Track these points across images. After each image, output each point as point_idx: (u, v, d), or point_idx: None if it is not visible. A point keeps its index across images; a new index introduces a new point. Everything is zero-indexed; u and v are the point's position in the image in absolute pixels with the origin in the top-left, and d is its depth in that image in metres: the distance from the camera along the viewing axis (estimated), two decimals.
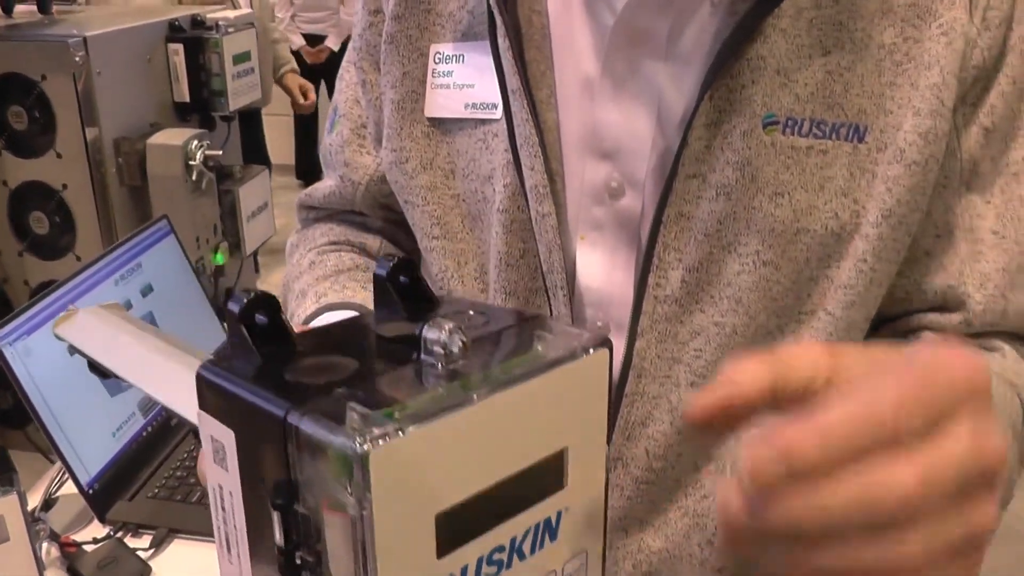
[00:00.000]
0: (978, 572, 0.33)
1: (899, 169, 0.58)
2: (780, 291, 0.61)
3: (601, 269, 0.65)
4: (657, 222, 0.61)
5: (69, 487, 1.17)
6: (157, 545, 1.11)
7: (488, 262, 0.68)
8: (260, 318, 0.33)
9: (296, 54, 5.22)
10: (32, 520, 1.09)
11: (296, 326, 0.70)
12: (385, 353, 0.34)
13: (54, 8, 2.07)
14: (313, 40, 5.27)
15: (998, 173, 0.62)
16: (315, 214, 0.86)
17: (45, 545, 1.10)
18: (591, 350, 0.33)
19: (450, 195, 0.69)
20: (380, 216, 0.80)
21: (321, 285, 0.74)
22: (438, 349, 0.31)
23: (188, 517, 1.16)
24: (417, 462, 0.28)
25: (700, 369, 0.63)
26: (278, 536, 0.29)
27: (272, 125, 4.95)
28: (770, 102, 0.58)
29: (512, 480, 0.31)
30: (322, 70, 5.31)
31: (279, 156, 4.27)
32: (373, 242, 0.81)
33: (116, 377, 0.47)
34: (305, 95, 3.78)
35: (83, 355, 0.49)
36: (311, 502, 0.29)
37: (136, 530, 1.14)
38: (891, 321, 0.67)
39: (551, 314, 0.66)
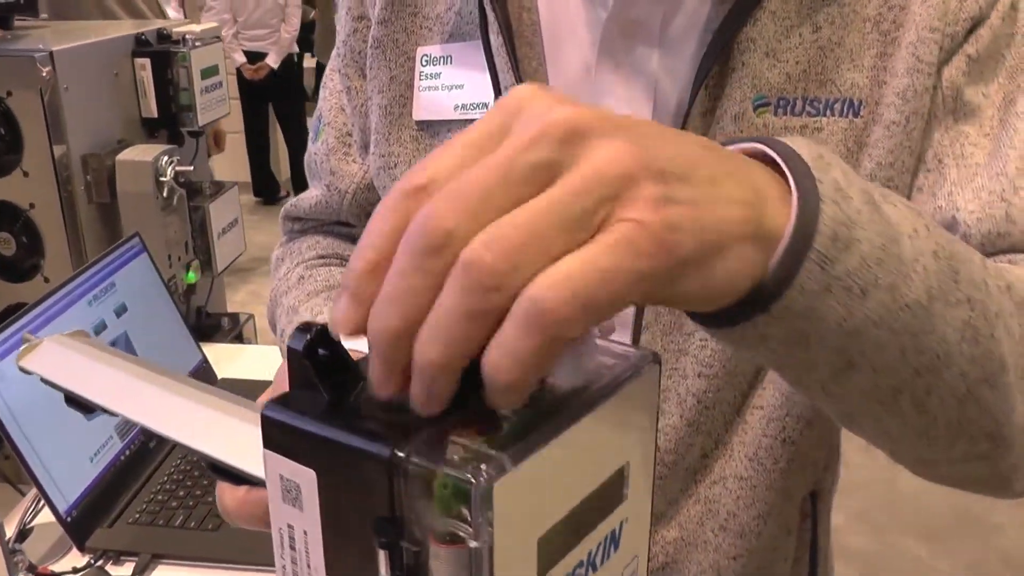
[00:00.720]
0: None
1: (879, 131, 0.58)
2: None
3: None
4: None
5: (45, 515, 1.14)
6: (140, 572, 1.09)
7: None
8: (323, 352, 0.33)
9: (237, 71, 5.23)
10: (9, 552, 1.06)
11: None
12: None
13: (16, 23, 2.03)
14: (254, 57, 5.27)
15: (994, 105, 0.60)
16: (300, 225, 0.85)
17: None
18: (645, 367, 0.34)
19: None
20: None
21: (313, 301, 0.73)
22: None
23: (172, 541, 1.14)
24: (526, 490, 0.29)
25: (707, 359, 0.63)
26: (384, 574, 0.30)
27: (229, 143, 4.92)
28: (759, 83, 0.58)
29: (590, 498, 0.32)
30: (264, 89, 5.32)
31: (234, 174, 4.25)
32: None
33: (99, 408, 0.46)
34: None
35: (57, 388, 0.48)
36: (418, 536, 0.29)
37: (118, 557, 1.11)
38: None
39: None
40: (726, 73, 0.58)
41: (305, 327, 0.33)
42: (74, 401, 0.47)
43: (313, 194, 0.80)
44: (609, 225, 0.29)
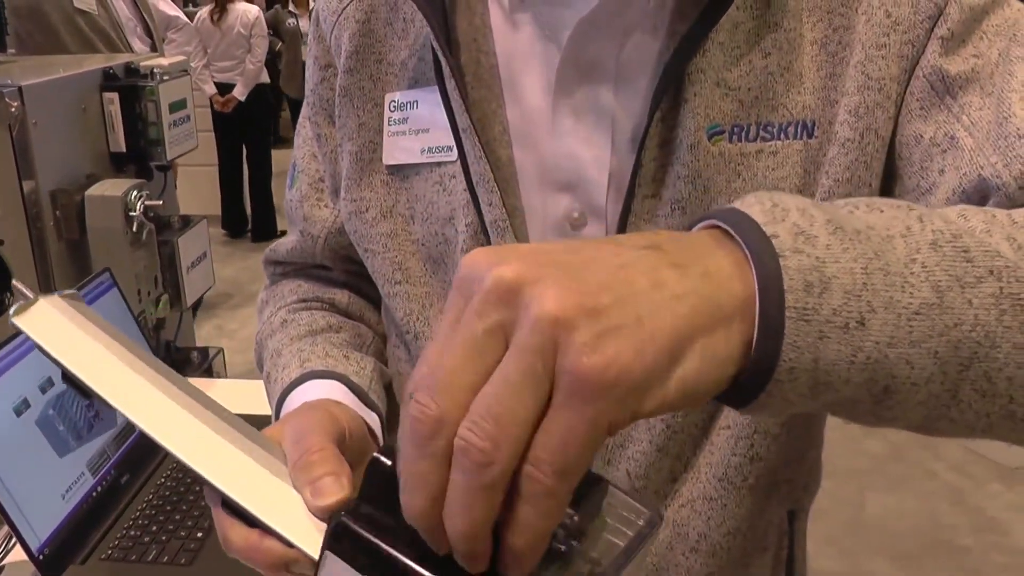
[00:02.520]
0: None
1: (834, 150, 0.59)
2: None
3: None
4: None
5: (16, 553, 1.13)
6: None
7: None
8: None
9: (210, 102, 5.22)
10: None
11: (276, 391, 0.69)
12: None
13: None
14: (224, 89, 5.27)
15: (990, 63, 0.58)
16: (281, 269, 0.86)
17: None
18: (652, 531, 0.37)
19: (410, 240, 0.70)
20: (342, 269, 0.81)
21: (297, 345, 0.74)
22: (563, 548, 0.35)
23: None
24: None
25: None
26: None
27: (197, 176, 4.91)
28: (712, 113, 0.59)
29: None
30: (235, 121, 5.31)
31: (204, 207, 4.23)
32: (341, 296, 0.82)
33: (100, 400, 0.46)
34: None
35: (52, 359, 0.47)
36: None
37: None
38: None
39: None
40: (679, 104, 0.59)
41: (391, 449, 0.35)
42: (72, 381, 0.46)
43: (290, 240, 0.82)
44: (559, 380, 0.31)
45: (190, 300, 2.11)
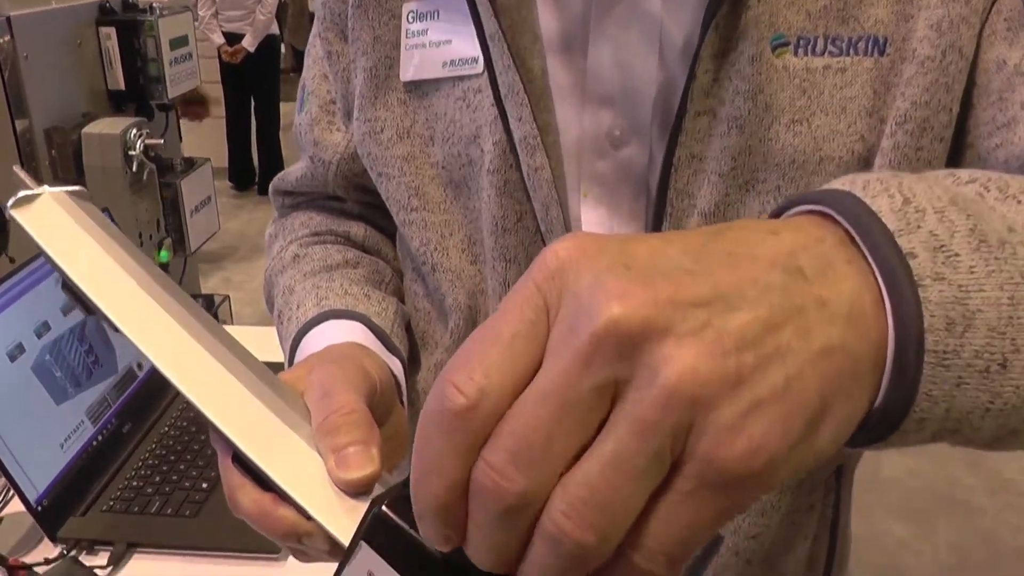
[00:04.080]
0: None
1: (912, 68, 0.54)
2: None
3: (607, 225, 0.61)
4: (667, 167, 0.56)
5: (15, 505, 1.08)
6: (116, 562, 1.02)
7: (479, 231, 0.64)
8: None
9: (218, 53, 5.11)
10: None
11: (290, 331, 0.63)
12: None
13: None
14: (232, 39, 5.15)
15: None
16: (291, 200, 0.80)
17: None
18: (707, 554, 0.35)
19: (429, 164, 0.65)
20: (356, 199, 0.75)
21: (311, 281, 0.68)
22: None
23: (147, 529, 1.07)
24: None
25: None
26: None
27: (204, 128, 4.83)
28: (777, 22, 0.54)
29: None
30: (244, 73, 5.20)
31: (212, 159, 4.14)
32: (357, 229, 0.76)
33: (103, 318, 0.40)
34: None
35: (52, 263, 0.41)
36: None
37: (92, 547, 1.05)
38: None
39: None
40: (739, 12, 0.54)
41: None
42: (72, 292, 0.40)
43: (299, 166, 0.77)
44: (690, 465, 0.25)
45: (194, 245, 2.05)
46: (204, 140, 4.95)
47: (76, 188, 0.45)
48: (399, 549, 0.31)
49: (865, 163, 0.55)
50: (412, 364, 0.71)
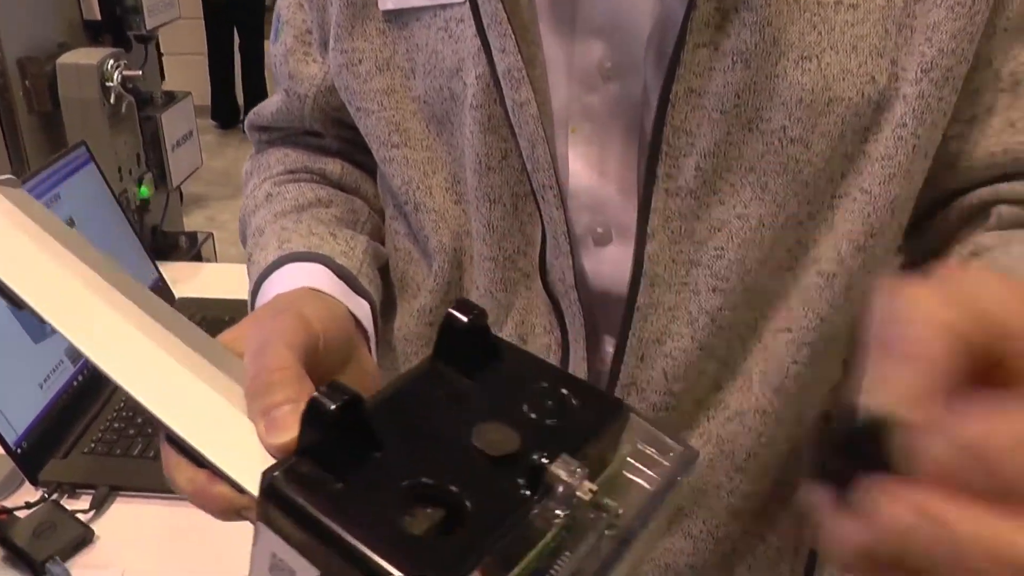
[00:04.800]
0: None
1: (940, 13, 0.51)
2: (811, 173, 0.54)
3: (597, 165, 0.57)
4: (663, 103, 0.53)
5: None
6: (98, 506, 1.01)
7: (462, 169, 0.61)
8: (342, 417, 0.31)
9: None
10: None
11: (252, 276, 0.60)
12: (487, 479, 0.32)
13: None
14: None
15: None
16: (267, 135, 0.76)
17: None
18: (683, 471, 0.34)
19: (410, 98, 0.61)
20: (334, 135, 0.71)
21: (280, 223, 0.64)
22: (562, 489, 0.31)
23: (130, 472, 1.06)
24: None
25: (722, 271, 0.56)
26: None
27: (187, 65, 4.71)
28: None
29: None
30: (225, 7, 5.04)
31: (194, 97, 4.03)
32: (333, 166, 0.72)
33: (31, 312, 0.38)
34: None
35: None
36: None
37: (73, 491, 1.03)
38: (954, 198, 0.59)
39: (542, 219, 0.57)
40: None
41: (337, 389, 0.31)
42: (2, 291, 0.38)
43: (274, 100, 0.73)
44: None
45: (176, 181, 1.99)
46: (186, 77, 4.84)
47: (5, 177, 0.43)
48: (294, 526, 0.29)
49: (876, 107, 0.52)
50: (389, 307, 0.67)
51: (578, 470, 0.30)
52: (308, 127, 0.71)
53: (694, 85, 0.52)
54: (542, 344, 0.62)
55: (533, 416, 0.34)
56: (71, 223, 1.25)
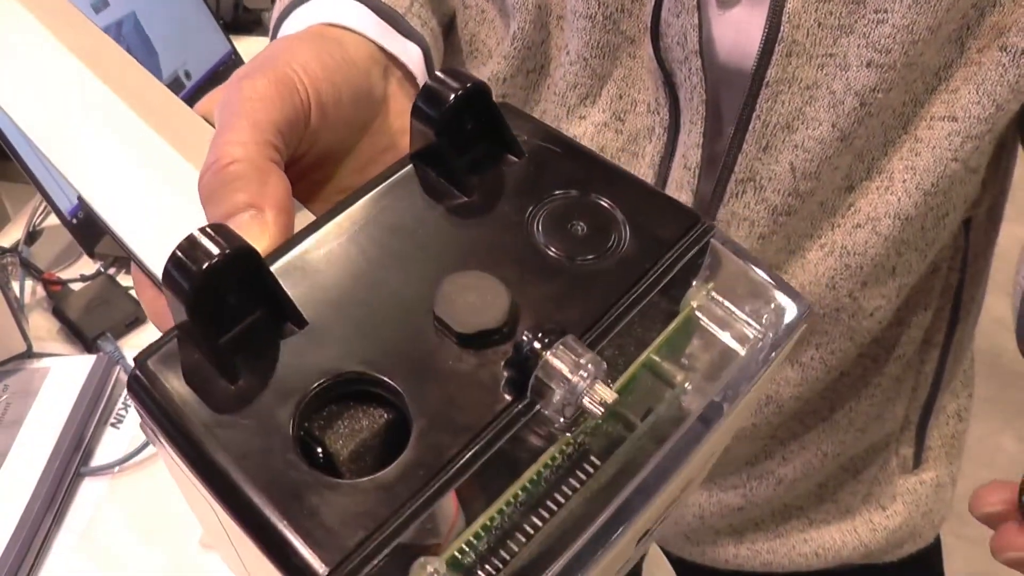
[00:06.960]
0: None
1: None
2: None
3: None
4: None
5: (54, 219, 1.01)
6: None
7: None
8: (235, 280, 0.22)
9: None
10: (13, 253, 0.95)
11: (273, 16, 0.48)
12: (457, 368, 0.22)
13: None
14: None
15: None
16: None
17: (29, 283, 0.96)
18: (789, 330, 0.24)
19: None
20: None
21: None
22: (559, 396, 0.20)
23: None
24: None
25: (882, 40, 0.43)
26: None
27: None
28: None
29: None
30: None
31: None
32: None
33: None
34: None
35: None
36: None
37: (130, 266, 0.98)
38: None
39: None
40: None
41: (220, 231, 0.22)
42: None
43: None
44: None
45: None
46: None
47: None
48: (155, 416, 0.22)
49: None
50: (452, 54, 0.56)
51: (590, 365, 0.20)
52: None
53: None
54: (643, 126, 0.50)
55: (551, 252, 0.24)
56: None
